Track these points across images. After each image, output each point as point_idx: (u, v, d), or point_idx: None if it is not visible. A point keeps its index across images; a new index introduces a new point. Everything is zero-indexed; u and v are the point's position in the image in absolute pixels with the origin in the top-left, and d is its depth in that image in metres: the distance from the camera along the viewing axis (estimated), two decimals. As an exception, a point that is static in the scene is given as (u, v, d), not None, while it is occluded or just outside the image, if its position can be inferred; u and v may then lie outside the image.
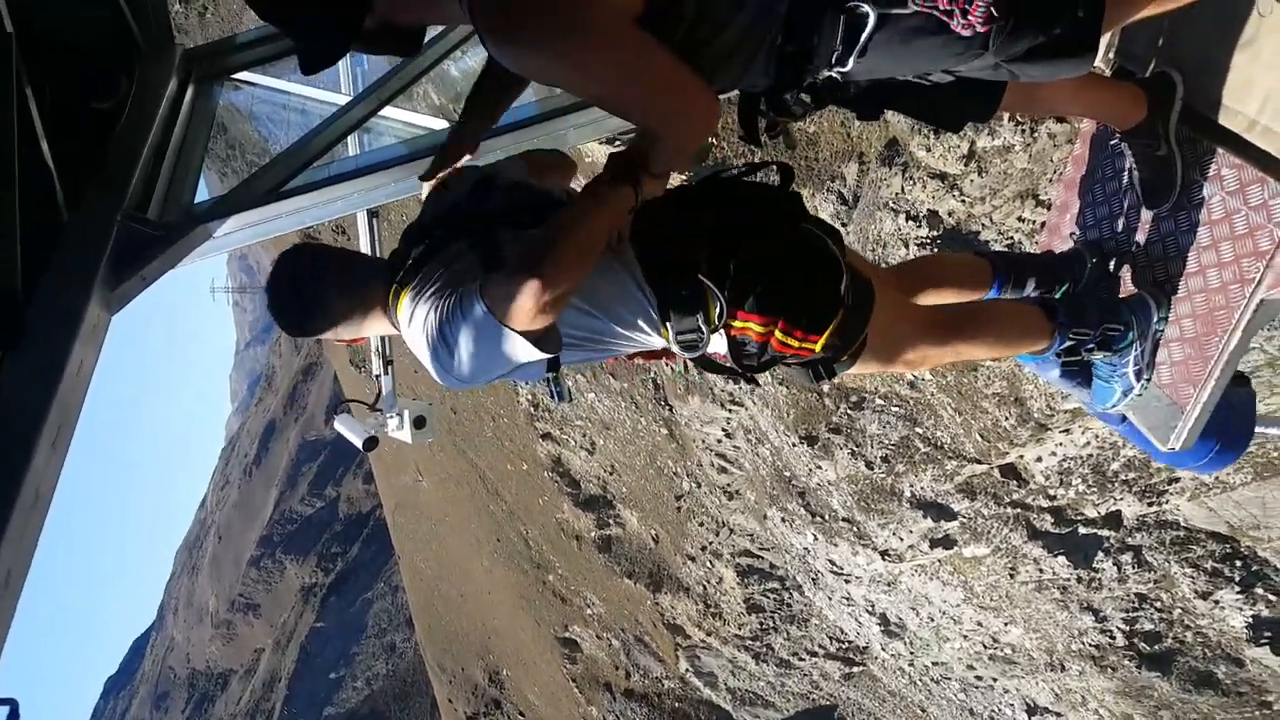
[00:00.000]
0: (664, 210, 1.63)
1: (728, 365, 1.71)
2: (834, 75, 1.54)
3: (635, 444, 9.26)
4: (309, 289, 1.61)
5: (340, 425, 3.39)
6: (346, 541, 36.58)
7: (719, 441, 7.40)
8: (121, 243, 1.54)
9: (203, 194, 2.12)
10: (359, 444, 3.24)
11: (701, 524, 8.60)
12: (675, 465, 8.61)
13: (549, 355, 1.41)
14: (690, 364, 1.79)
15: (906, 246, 4.21)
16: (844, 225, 4.59)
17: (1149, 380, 2.14)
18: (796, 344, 1.60)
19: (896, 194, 4.16)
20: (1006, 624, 5.61)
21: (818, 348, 1.61)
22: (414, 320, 1.49)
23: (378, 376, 3.39)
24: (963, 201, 3.87)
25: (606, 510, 11.06)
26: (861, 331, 1.66)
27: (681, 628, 10.12)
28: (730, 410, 6.92)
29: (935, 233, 4.06)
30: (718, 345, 1.67)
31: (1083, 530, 4.56)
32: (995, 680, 6.25)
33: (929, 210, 4.06)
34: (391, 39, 1.47)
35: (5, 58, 1.23)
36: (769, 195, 1.73)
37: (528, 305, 1.30)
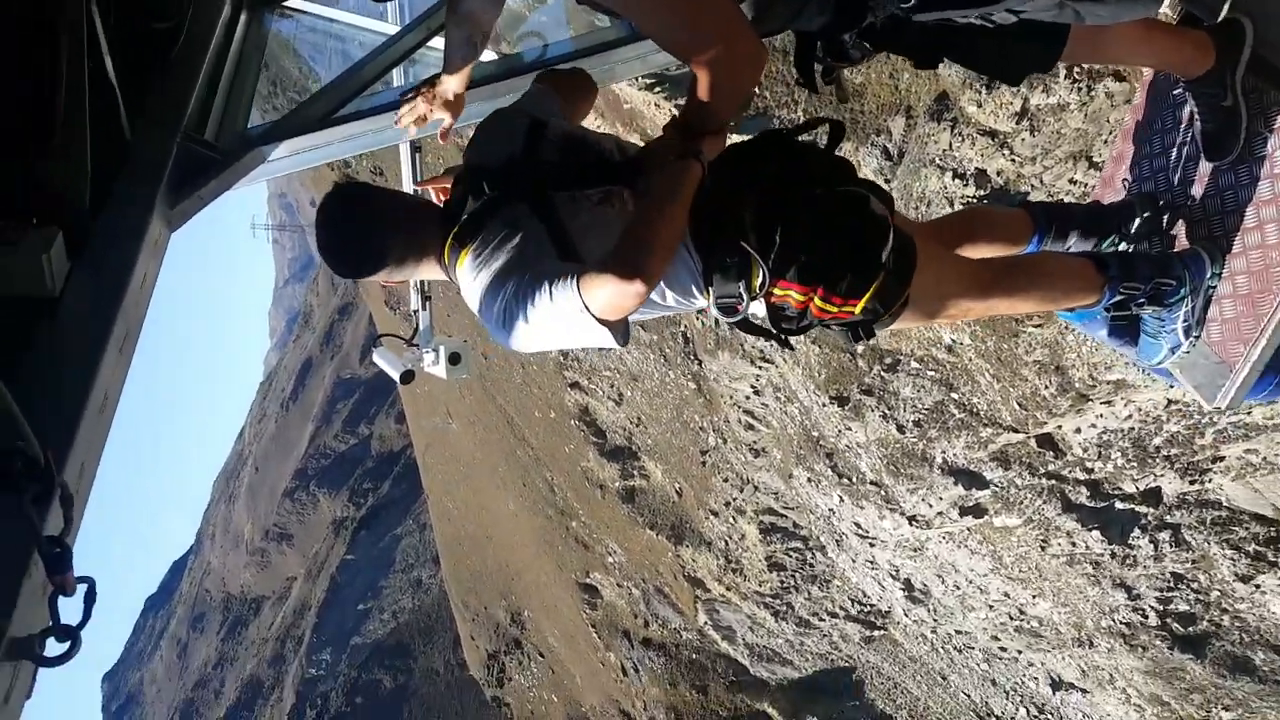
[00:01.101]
0: (716, 170, 1.63)
1: (765, 328, 1.73)
2: (895, 12, 1.51)
3: (663, 396, 9.30)
4: (363, 231, 1.61)
5: (378, 358, 3.46)
6: (378, 478, 37.43)
7: (747, 398, 7.41)
8: (181, 163, 1.58)
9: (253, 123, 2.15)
10: (396, 376, 3.30)
11: (726, 480, 8.66)
12: (702, 420, 8.65)
13: (622, 344, 1.46)
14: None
15: (951, 205, 4.12)
16: (888, 181, 4.50)
17: (1198, 337, 2.11)
18: (835, 309, 1.62)
19: (944, 150, 4.07)
20: (1035, 596, 5.59)
21: (857, 310, 1.62)
22: (478, 283, 1.52)
23: (415, 312, 3.44)
24: (1013, 161, 3.77)
25: (631, 461, 11.18)
26: (902, 293, 1.66)
27: (702, 581, 10.26)
28: (760, 367, 6.91)
29: (982, 192, 3.97)
30: (756, 309, 1.69)
31: (1119, 505, 4.50)
32: (1020, 653, 6.26)
33: (977, 169, 3.97)
34: None
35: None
36: (817, 157, 1.73)
37: (627, 305, 1.38)
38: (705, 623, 10.63)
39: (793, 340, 1.75)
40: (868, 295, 1.60)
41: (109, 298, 1.27)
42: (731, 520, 8.93)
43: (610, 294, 1.35)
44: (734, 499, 8.65)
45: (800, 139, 1.76)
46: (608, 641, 13.91)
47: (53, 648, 0.98)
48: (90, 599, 1.02)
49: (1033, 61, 1.83)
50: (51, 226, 1.26)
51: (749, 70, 1.50)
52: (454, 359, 3.34)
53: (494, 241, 1.51)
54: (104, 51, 1.48)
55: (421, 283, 3.36)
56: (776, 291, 1.62)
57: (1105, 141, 3.31)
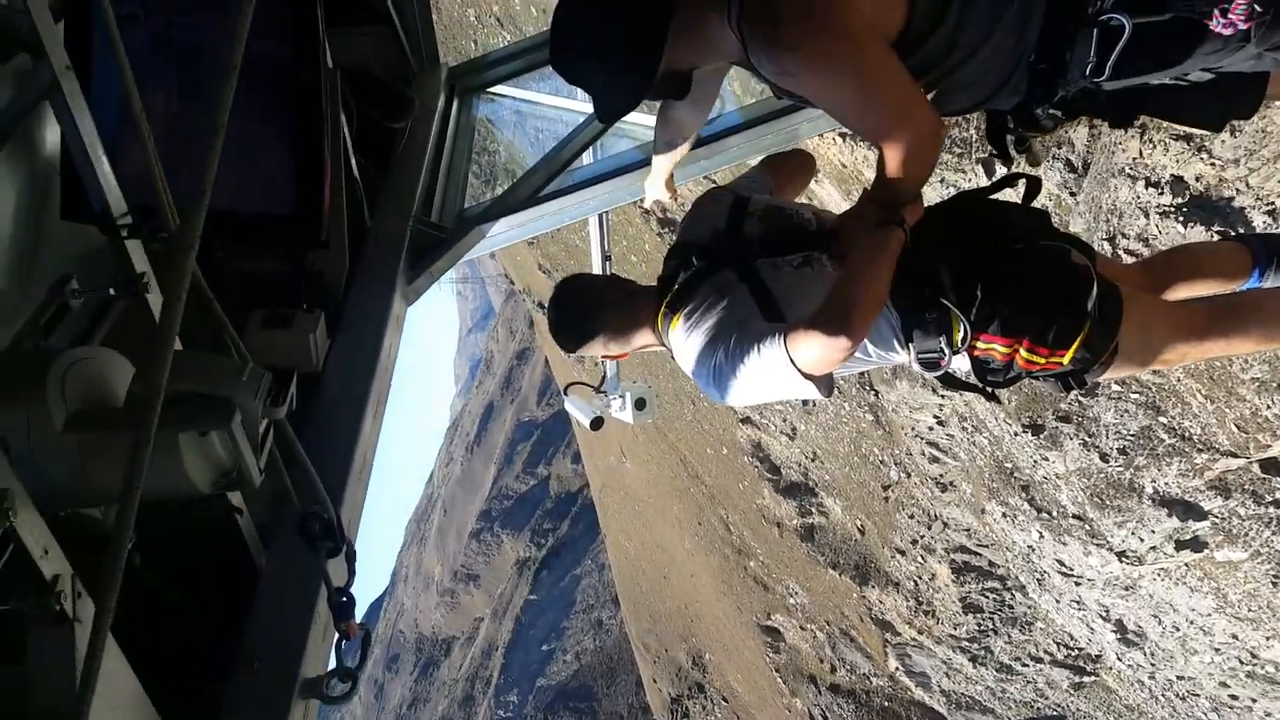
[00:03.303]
0: (914, 232, 1.69)
1: (970, 382, 1.75)
2: (1087, 85, 1.53)
3: (838, 430, 9.10)
4: (581, 311, 1.84)
5: (569, 405, 3.70)
6: (557, 518, 38.60)
7: (930, 429, 7.12)
8: (414, 244, 1.84)
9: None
10: (586, 423, 3.51)
11: (911, 516, 8.31)
12: (882, 453, 8.38)
13: (827, 396, 1.55)
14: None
15: (1146, 216, 3.86)
16: (1073, 195, 4.28)
17: None
18: (1043, 360, 1.63)
19: (1134, 159, 3.83)
20: (1268, 638, 4.98)
21: (1065, 360, 1.63)
22: (690, 343, 1.66)
23: (603, 360, 3.65)
24: (1212, 165, 3.49)
25: (808, 498, 10.95)
26: (1111, 341, 1.65)
27: (890, 624, 9.82)
28: (943, 396, 6.63)
29: (1180, 200, 3.69)
30: (959, 364, 1.71)
31: (1369, 536, 3.96)
32: (1254, 701, 5.56)
33: (1172, 175, 3.70)
34: (669, 85, 1.64)
35: (334, 88, 1.51)
36: (1015, 213, 1.77)
37: (834, 359, 1.45)
38: (896, 668, 10.14)
39: (999, 394, 1.76)
40: (1076, 344, 1.60)
41: (363, 371, 1.50)
42: (920, 559, 8.54)
43: (817, 349, 1.43)
44: (921, 536, 8.28)
45: (995, 198, 1.80)
46: (793, 687, 13.53)
47: (334, 688, 1.13)
48: (366, 644, 1.18)
49: (1234, 110, 1.76)
50: (316, 310, 1.51)
51: (932, 150, 1.57)
52: (640, 404, 3.52)
53: (704, 307, 1.64)
54: (350, 153, 1.76)
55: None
56: (979, 345, 1.65)
57: (1323, 135, 3.02)
